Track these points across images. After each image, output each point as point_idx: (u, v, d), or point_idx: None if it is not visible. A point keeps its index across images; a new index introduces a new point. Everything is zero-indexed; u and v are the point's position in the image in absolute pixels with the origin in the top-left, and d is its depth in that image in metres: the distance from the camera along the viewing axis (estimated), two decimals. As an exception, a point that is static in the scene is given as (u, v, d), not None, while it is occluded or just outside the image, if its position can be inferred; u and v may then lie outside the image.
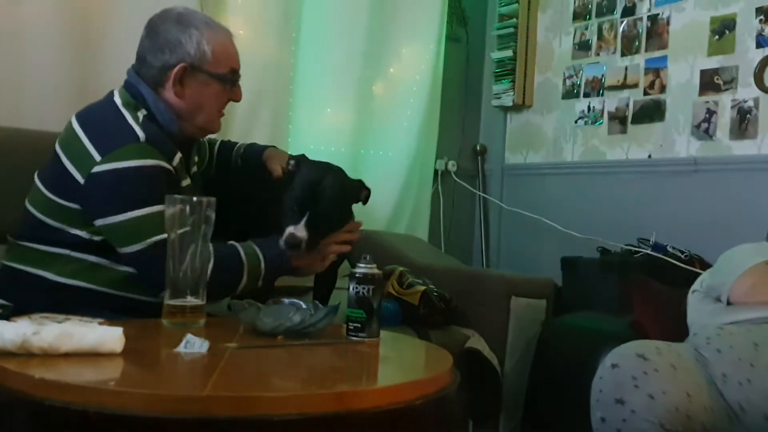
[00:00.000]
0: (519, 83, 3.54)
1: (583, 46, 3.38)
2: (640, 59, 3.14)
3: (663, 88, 3.05)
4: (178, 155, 1.67)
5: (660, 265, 2.68)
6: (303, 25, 2.97)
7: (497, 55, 3.61)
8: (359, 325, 1.44)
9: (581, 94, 3.37)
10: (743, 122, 2.80)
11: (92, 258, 1.60)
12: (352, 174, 1.78)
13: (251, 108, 2.77)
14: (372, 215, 3.05)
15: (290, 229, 1.61)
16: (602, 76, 3.29)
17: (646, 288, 2.34)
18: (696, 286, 2.11)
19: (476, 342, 2.41)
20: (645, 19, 3.14)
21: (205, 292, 1.43)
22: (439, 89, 3.39)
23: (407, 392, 1.12)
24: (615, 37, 3.25)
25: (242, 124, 2.75)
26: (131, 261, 1.57)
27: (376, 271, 1.46)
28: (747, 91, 2.79)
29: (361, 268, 1.45)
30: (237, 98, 1.76)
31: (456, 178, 3.63)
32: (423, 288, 2.42)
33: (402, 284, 2.44)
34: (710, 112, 2.90)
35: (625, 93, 3.19)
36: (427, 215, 3.43)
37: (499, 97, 3.61)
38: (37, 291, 1.60)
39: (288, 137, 2.95)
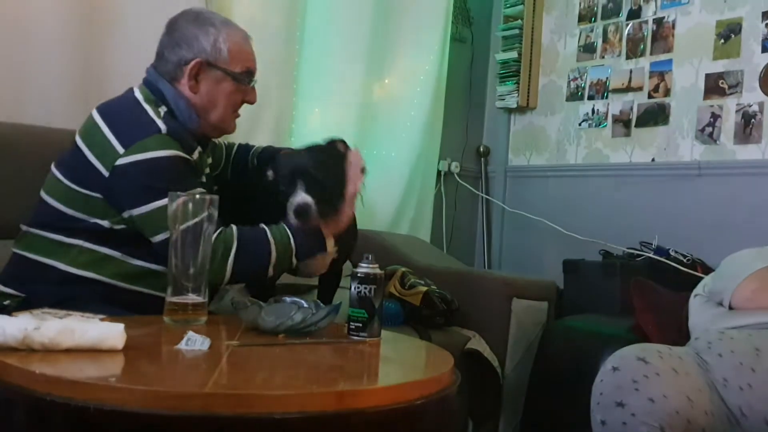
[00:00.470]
0: (523, 85, 3.53)
1: (588, 49, 3.38)
2: (645, 62, 3.14)
3: (668, 92, 3.05)
4: (198, 149, 1.69)
5: (662, 269, 2.68)
6: (307, 24, 2.97)
7: (502, 56, 3.60)
8: (360, 325, 1.44)
9: (585, 97, 3.37)
10: (748, 127, 2.80)
11: (105, 250, 1.61)
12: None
13: (255, 106, 2.75)
14: (374, 216, 3.06)
15: (291, 200, 1.60)
16: (607, 78, 3.28)
17: (647, 291, 2.33)
18: (698, 290, 2.11)
19: (477, 343, 2.41)
20: (650, 22, 3.13)
21: (223, 282, 1.52)
22: (443, 90, 3.38)
23: (408, 392, 1.12)
24: (620, 39, 3.24)
25: (246, 122, 2.73)
26: (163, 248, 1.55)
27: (377, 271, 1.46)
28: (752, 96, 2.79)
29: (363, 268, 1.45)
30: (251, 100, 1.78)
31: (459, 180, 3.63)
32: (425, 289, 2.42)
33: (404, 285, 2.45)
34: (715, 116, 2.89)
35: (630, 96, 3.19)
36: (429, 216, 3.42)
37: (503, 99, 3.61)
38: (47, 281, 1.60)
39: (291, 136, 2.95)
